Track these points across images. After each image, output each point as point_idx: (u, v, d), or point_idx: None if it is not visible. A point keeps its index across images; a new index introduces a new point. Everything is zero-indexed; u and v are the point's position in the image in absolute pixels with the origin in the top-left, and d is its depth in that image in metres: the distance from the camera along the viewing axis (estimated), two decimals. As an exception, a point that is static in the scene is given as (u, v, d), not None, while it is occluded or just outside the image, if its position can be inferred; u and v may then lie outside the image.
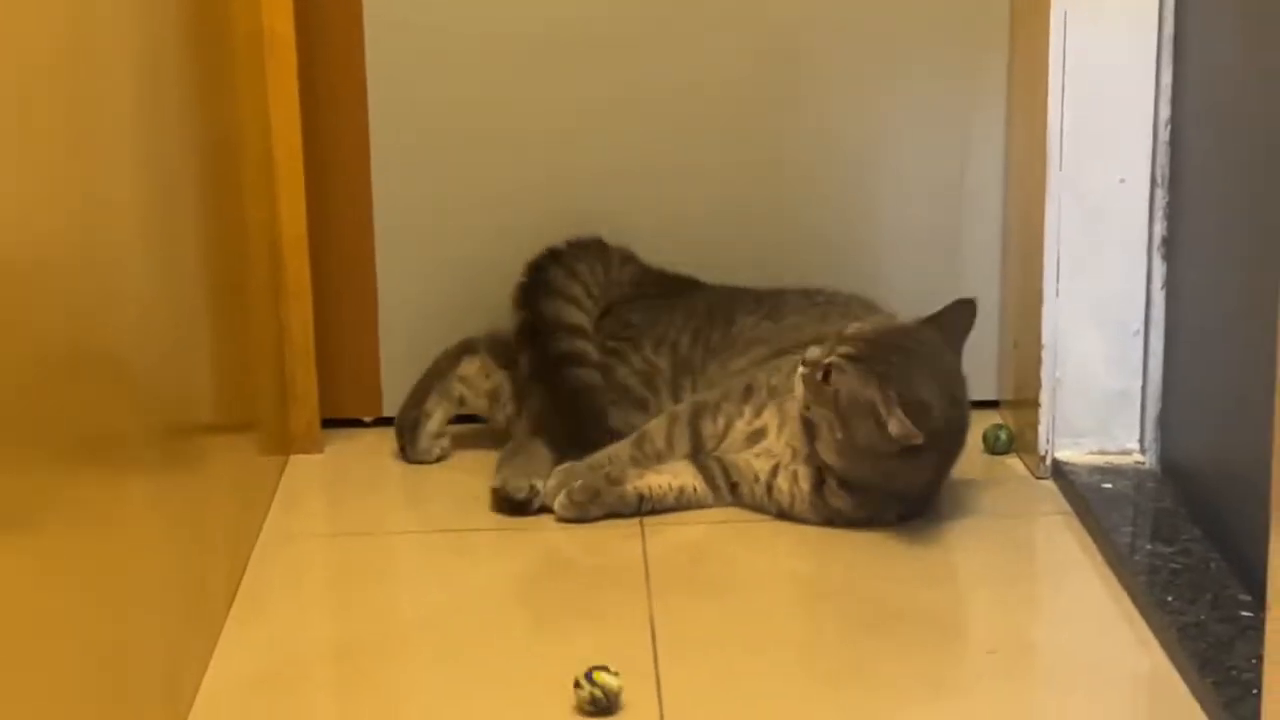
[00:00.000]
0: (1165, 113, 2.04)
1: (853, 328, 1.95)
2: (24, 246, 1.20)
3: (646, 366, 2.15)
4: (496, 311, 2.24)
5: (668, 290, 2.23)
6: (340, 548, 2.02)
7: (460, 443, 2.23)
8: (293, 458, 2.23)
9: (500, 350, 2.20)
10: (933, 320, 1.99)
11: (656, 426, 2.06)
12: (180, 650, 1.63)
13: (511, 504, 1.99)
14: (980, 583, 1.88)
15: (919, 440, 1.86)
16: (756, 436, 2.03)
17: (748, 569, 1.94)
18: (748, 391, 2.05)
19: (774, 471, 2.01)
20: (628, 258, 2.25)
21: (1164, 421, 2.09)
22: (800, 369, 1.93)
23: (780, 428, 2.01)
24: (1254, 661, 1.60)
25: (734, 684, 1.66)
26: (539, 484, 2.00)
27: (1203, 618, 1.71)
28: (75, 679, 1.29)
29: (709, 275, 2.26)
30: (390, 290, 2.32)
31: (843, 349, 1.91)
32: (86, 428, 1.35)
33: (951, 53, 2.26)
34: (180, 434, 1.71)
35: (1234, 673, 1.60)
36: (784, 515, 2.01)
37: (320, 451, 2.25)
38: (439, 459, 2.20)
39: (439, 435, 2.21)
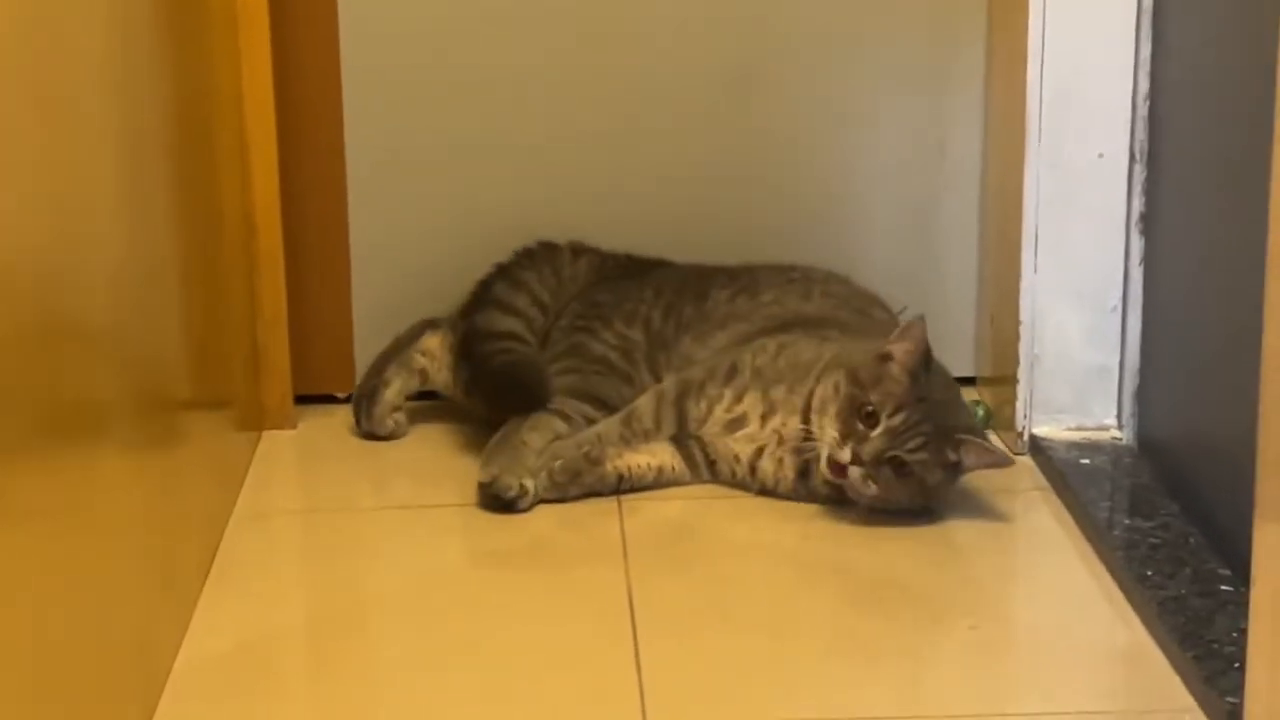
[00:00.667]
0: (1144, 87, 2.03)
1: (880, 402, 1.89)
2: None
3: (621, 341, 2.13)
4: (473, 284, 2.22)
5: (634, 271, 2.22)
6: (314, 524, 2.01)
7: (427, 416, 2.20)
8: (266, 433, 2.21)
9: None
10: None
11: (645, 405, 2.04)
12: (154, 626, 1.61)
13: (500, 503, 1.95)
14: (959, 558, 1.87)
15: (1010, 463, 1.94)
16: (736, 424, 2.01)
17: (726, 543, 1.93)
18: (731, 371, 2.03)
19: (757, 454, 2.00)
20: (580, 251, 2.24)
21: (1142, 397, 2.09)
22: (860, 471, 1.88)
23: (764, 416, 2.00)
24: (1235, 635, 1.59)
25: (713, 657, 1.65)
26: (529, 483, 1.96)
27: (1182, 592, 1.70)
28: (46, 655, 1.27)
29: (685, 255, 2.25)
30: (363, 263, 2.29)
31: (910, 445, 1.88)
32: (56, 402, 1.33)
33: (929, 27, 2.25)
34: (152, 408, 1.68)
35: (1215, 646, 1.59)
36: (765, 493, 2.00)
37: (293, 427, 2.23)
38: (392, 434, 2.17)
39: (396, 408, 2.18)
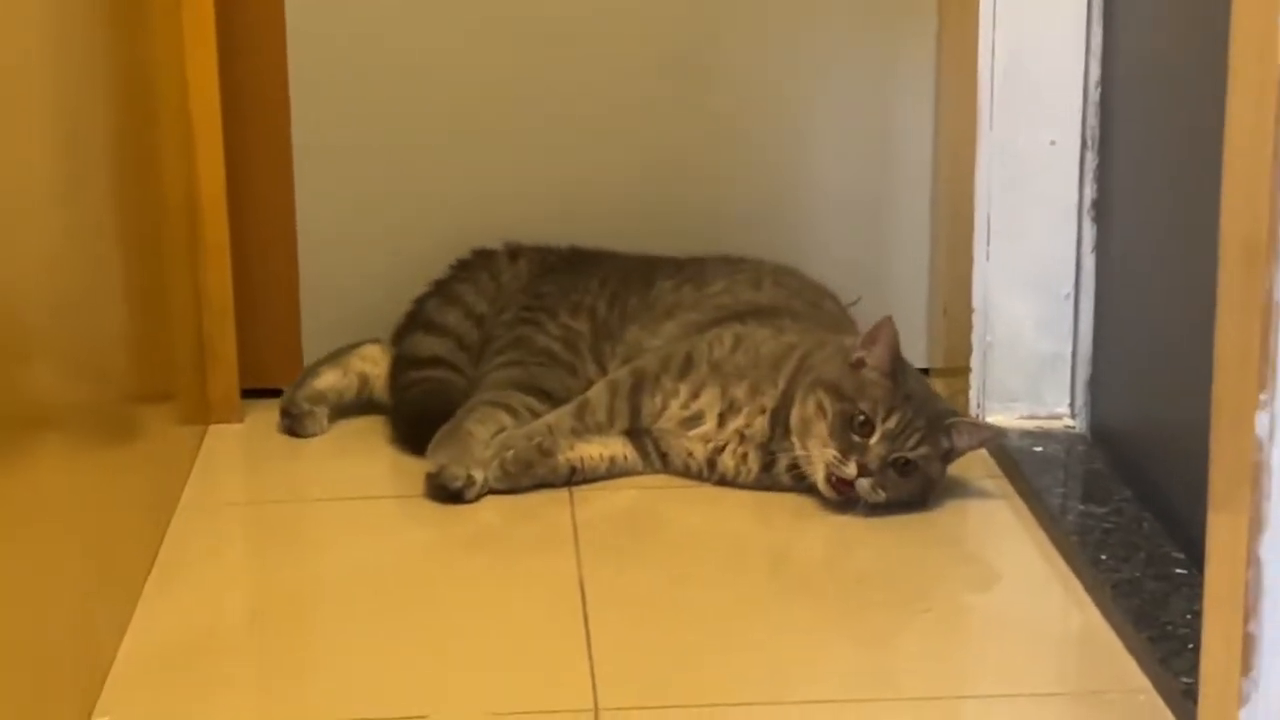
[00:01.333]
0: (1095, 73, 2.02)
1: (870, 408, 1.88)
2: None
3: (564, 332, 2.12)
4: (423, 275, 2.21)
5: (578, 262, 2.21)
6: (260, 516, 1.98)
7: (378, 409, 2.17)
8: (212, 427, 2.18)
9: None
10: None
11: (597, 398, 2.02)
12: (94, 618, 1.58)
13: (446, 493, 1.93)
14: (913, 545, 1.86)
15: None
16: (692, 421, 2.00)
17: (679, 531, 1.92)
18: (687, 363, 2.01)
19: (716, 451, 1.98)
20: (518, 252, 2.22)
21: (1095, 385, 2.08)
22: (868, 482, 1.87)
23: (723, 415, 1.98)
24: (1189, 617, 1.59)
25: (666, 643, 1.64)
26: (476, 473, 1.94)
27: (1137, 575, 1.70)
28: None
29: (631, 247, 2.23)
30: (312, 256, 2.27)
31: (910, 444, 1.87)
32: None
33: (879, 14, 2.24)
34: (94, 401, 1.66)
35: (1169, 628, 1.59)
36: (725, 484, 1.99)
37: (240, 421, 2.20)
38: (309, 428, 2.13)
39: (319, 400, 2.14)
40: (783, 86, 2.25)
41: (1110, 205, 2.03)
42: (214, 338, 2.18)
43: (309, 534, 1.93)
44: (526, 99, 2.24)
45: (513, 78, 2.23)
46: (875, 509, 1.88)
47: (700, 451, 1.99)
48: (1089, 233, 2.06)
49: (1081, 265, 2.07)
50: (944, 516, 1.93)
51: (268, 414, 2.20)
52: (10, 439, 1.34)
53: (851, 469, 1.87)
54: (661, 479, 2.01)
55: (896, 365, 1.90)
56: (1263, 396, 1.24)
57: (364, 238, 2.26)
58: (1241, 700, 1.28)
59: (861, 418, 1.88)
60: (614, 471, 2.01)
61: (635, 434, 2.02)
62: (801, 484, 1.93)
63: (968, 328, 2.10)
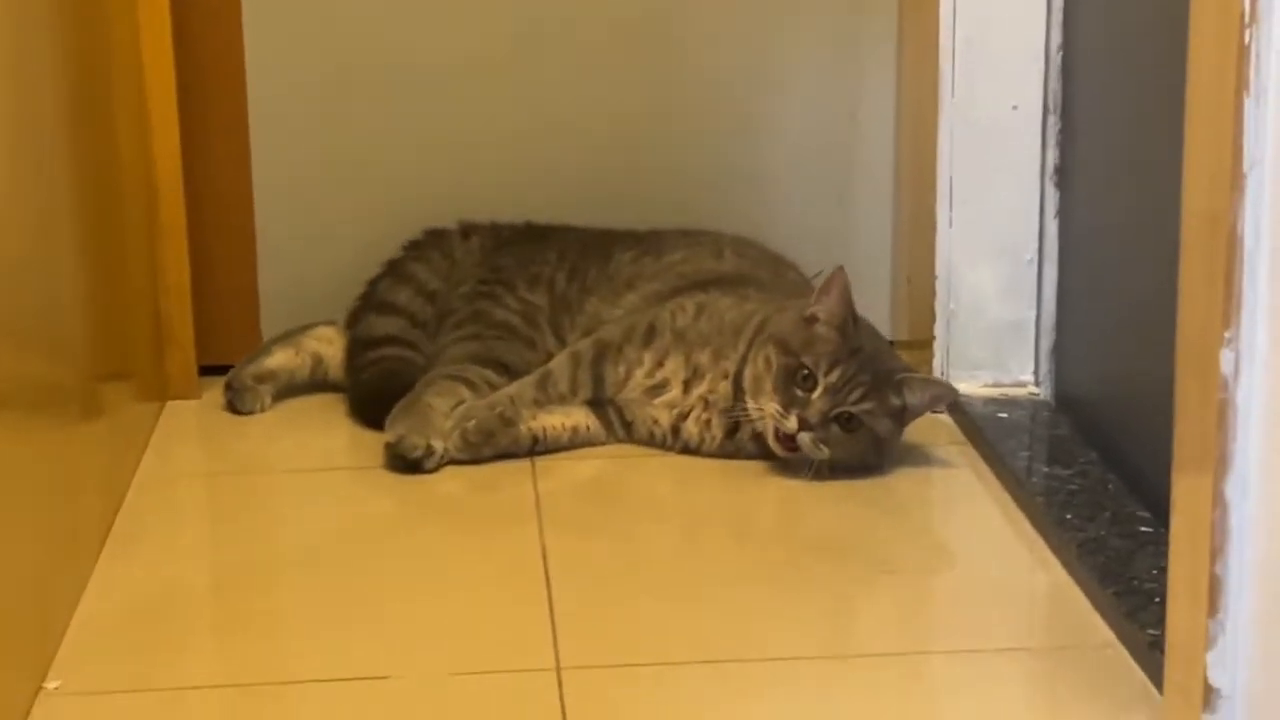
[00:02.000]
0: (1056, 39, 2.02)
1: (818, 364, 1.86)
2: None
3: (523, 305, 2.10)
4: (383, 251, 2.19)
5: (535, 236, 2.19)
6: (217, 487, 1.96)
7: (336, 385, 2.15)
8: (169, 404, 2.16)
9: None
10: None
11: (560, 369, 2.00)
12: (47, 587, 1.56)
13: (405, 463, 1.91)
14: (874, 509, 1.85)
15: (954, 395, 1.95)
16: (657, 390, 1.98)
17: (641, 500, 1.90)
18: (650, 333, 2.00)
19: (680, 418, 1.97)
20: (471, 230, 2.21)
21: (1058, 352, 2.07)
22: (809, 436, 1.85)
23: (688, 382, 1.97)
24: (1155, 573, 1.58)
25: (630, 609, 1.62)
26: (435, 443, 1.92)
27: (1102, 534, 1.69)
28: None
29: (593, 221, 2.21)
30: (269, 233, 2.25)
31: (853, 398, 1.85)
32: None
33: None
34: (51, 376, 1.63)
35: (1135, 583, 1.57)
36: (688, 452, 1.97)
37: (198, 398, 2.18)
38: (251, 405, 2.10)
39: (267, 379, 2.12)
40: (742, 56, 2.24)
41: (1073, 169, 2.03)
42: (171, 316, 2.16)
43: (268, 504, 1.91)
44: (486, 76, 2.22)
45: (472, 56, 2.22)
46: (825, 472, 1.86)
47: (665, 419, 1.98)
48: (1052, 198, 2.05)
49: (1045, 231, 2.06)
50: (906, 482, 1.92)
51: (226, 391, 2.18)
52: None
53: (792, 423, 1.85)
54: (625, 449, 2.00)
55: (847, 318, 1.88)
56: (1228, 334, 1.23)
57: (322, 216, 2.24)
58: (1209, 643, 1.27)
59: (805, 371, 1.86)
60: (576, 441, 1.99)
61: (598, 404, 2.00)
62: (764, 450, 1.91)
63: (931, 296, 2.09)
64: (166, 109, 2.09)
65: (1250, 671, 1.27)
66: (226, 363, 2.21)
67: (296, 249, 2.24)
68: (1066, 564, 1.67)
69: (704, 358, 1.96)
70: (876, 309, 2.22)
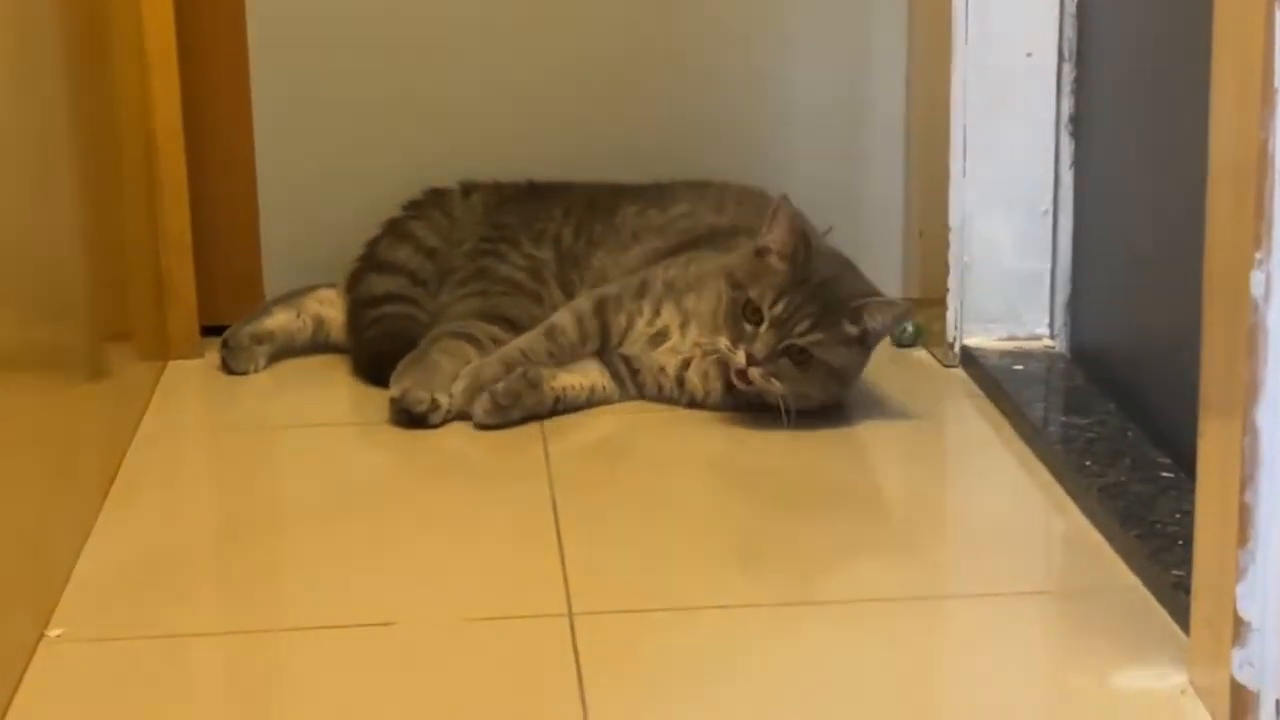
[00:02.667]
0: (1072, -16, 1.99)
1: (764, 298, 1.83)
2: None
3: (529, 261, 2.07)
4: (385, 208, 2.16)
5: (537, 193, 2.16)
6: (220, 442, 1.93)
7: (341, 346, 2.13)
8: (172, 363, 2.14)
9: None
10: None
11: (565, 320, 1.97)
12: (50, 537, 1.53)
13: (410, 416, 1.88)
14: (890, 461, 1.82)
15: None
16: (660, 338, 1.96)
17: (653, 453, 1.87)
18: (643, 287, 1.98)
19: (684, 366, 1.94)
20: (472, 188, 2.18)
21: (1075, 303, 2.04)
22: (758, 371, 1.82)
23: (683, 327, 1.94)
24: (1178, 516, 1.55)
25: (639, 556, 1.59)
26: (441, 397, 1.90)
27: (1122, 479, 1.66)
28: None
29: (601, 174, 2.18)
30: (271, 192, 2.22)
31: (799, 329, 1.82)
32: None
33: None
34: (53, 336, 1.61)
35: (1158, 526, 1.54)
36: (694, 405, 1.95)
37: (200, 357, 2.15)
38: (246, 365, 2.08)
39: (265, 340, 2.10)
40: (751, 6, 2.20)
41: (1089, 118, 1.99)
42: (173, 275, 2.13)
43: (271, 458, 1.88)
44: (488, 33, 2.19)
45: (476, 13, 2.19)
46: (792, 415, 1.82)
47: (671, 366, 1.95)
48: (1067, 147, 2.02)
49: (1060, 181, 2.03)
50: (921, 431, 1.89)
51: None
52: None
53: (740, 357, 1.82)
54: (632, 407, 1.96)
55: (796, 248, 1.85)
56: (1259, 255, 1.20)
57: (325, 174, 2.22)
58: (1239, 574, 1.24)
59: (752, 305, 1.83)
60: (594, 400, 1.97)
61: (607, 360, 1.97)
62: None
63: (944, 248, 2.06)
64: (167, 69, 2.07)
65: (1281, 603, 1.24)
66: (229, 323, 2.18)
67: (299, 207, 2.22)
68: (1086, 509, 1.64)
69: (690, 302, 1.94)
70: (888, 263, 2.20)
